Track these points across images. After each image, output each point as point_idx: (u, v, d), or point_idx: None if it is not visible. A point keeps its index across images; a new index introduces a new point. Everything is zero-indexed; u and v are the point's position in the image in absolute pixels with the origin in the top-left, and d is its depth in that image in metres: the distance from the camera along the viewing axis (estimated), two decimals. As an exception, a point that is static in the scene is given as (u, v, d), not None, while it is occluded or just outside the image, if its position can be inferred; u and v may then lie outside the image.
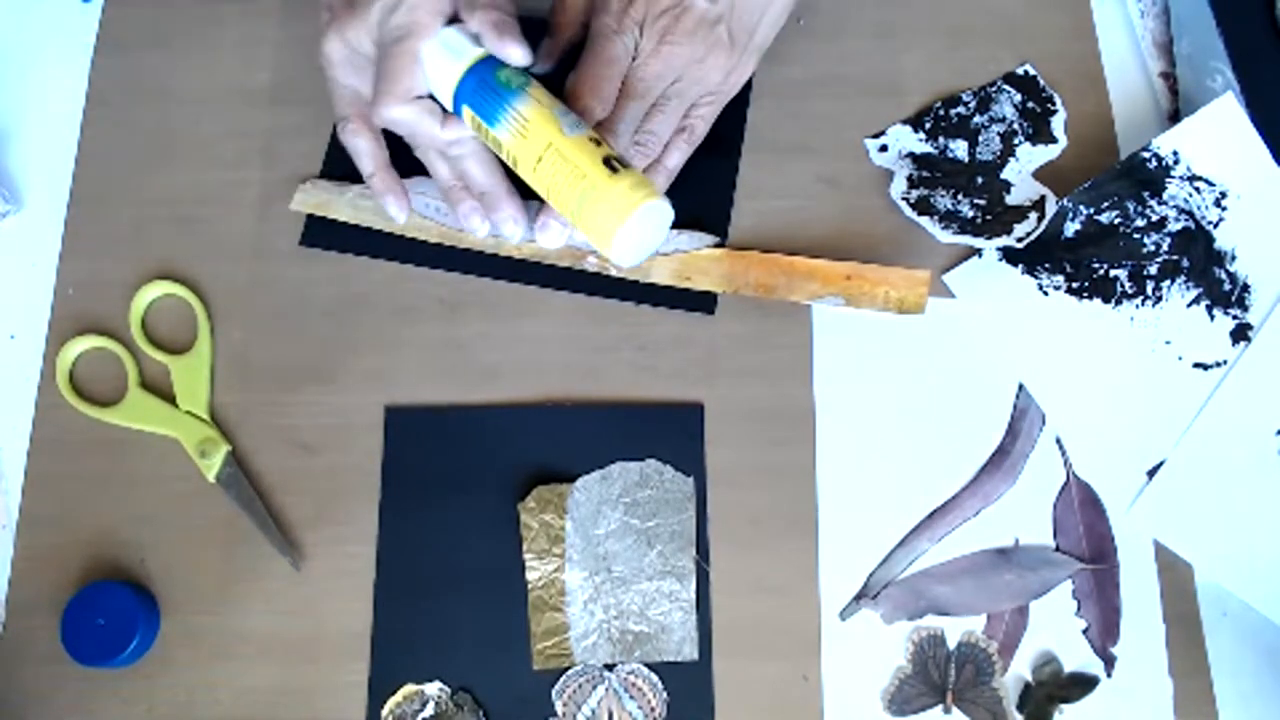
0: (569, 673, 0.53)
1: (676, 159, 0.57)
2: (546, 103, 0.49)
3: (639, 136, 0.54)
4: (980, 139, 0.62)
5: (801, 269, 0.58)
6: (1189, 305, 0.58)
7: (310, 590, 0.54)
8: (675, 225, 0.59)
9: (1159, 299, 0.58)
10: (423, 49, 0.49)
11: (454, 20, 0.50)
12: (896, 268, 0.57)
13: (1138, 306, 0.58)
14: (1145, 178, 0.59)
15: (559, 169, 0.48)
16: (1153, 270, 0.58)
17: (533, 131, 0.48)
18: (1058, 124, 0.63)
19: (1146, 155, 0.59)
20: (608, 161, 0.48)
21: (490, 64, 0.49)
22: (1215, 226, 0.59)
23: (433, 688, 0.53)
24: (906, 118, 0.63)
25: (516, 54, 0.49)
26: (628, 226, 0.48)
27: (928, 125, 0.63)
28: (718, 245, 0.59)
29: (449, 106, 0.50)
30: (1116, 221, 0.59)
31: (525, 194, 0.54)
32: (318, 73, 0.53)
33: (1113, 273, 0.58)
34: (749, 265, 0.59)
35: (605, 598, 0.54)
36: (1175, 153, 0.59)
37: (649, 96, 0.54)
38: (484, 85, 0.49)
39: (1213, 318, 0.58)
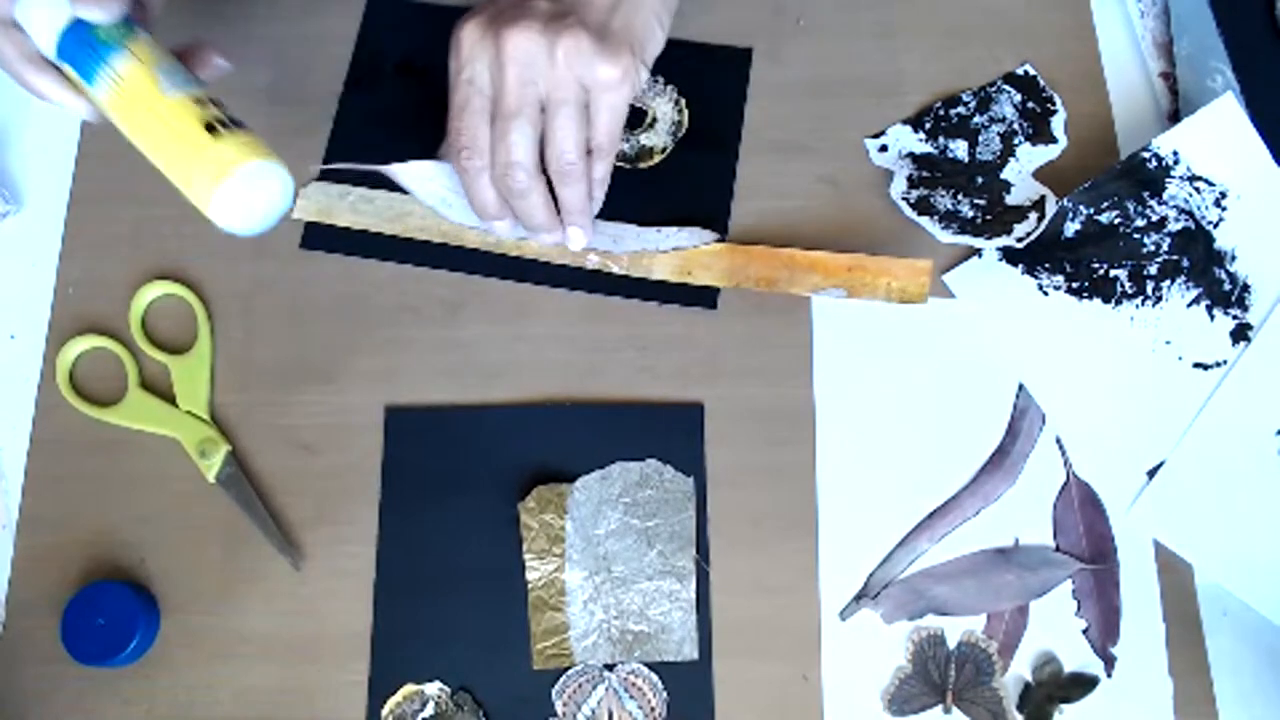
0: (569, 673, 0.53)
1: (600, 169, 0.54)
2: (149, 59, 0.46)
3: (549, 160, 0.52)
4: (980, 139, 0.62)
5: (803, 262, 0.58)
6: (1189, 305, 0.58)
7: (310, 590, 0.54)
8: (676, 222, 0.60)
9: (1159, 299, 0.58)
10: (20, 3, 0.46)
11: None
12: (898, 258, 0.57)
13: (1138, 306, 0.58)
14: (1145, 178, 0.59)
15: (159, 131, 0.46)
16: (1153, 270, 0.58)
17: (130, 91, 0.46)
18: (1058, 124, 0.63)
19: (1146, 155, 0.59)
20: (211, 125, 0.45)
21: (82, 23, 0.46)
22: (1215, 226, 0.59)
23: (433, 688, 0.53)
24: (906, 118, 0.63)
25: (95, 12, 0.45)
26: (225, 189, 0.45)
27: (928, 125, 0.63)
28: (718, 242, 0.59)
29: (48, 52, 0.47)
30: (1116, 221, 0.59)
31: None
32: (318, 72, 0.54)
33: (1113, 273, 0.58)
34: (750, 259, 0.59)
35: (605, 597, 0.54)
36: (1175, 153, 0.59)
37: (518, 110, 0.51)
38: (82, 41, 0.46)
39: (1213, 318, 0.58)
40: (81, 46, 0.46)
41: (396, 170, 0.57)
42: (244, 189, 0.45)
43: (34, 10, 0.46)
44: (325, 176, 0.61)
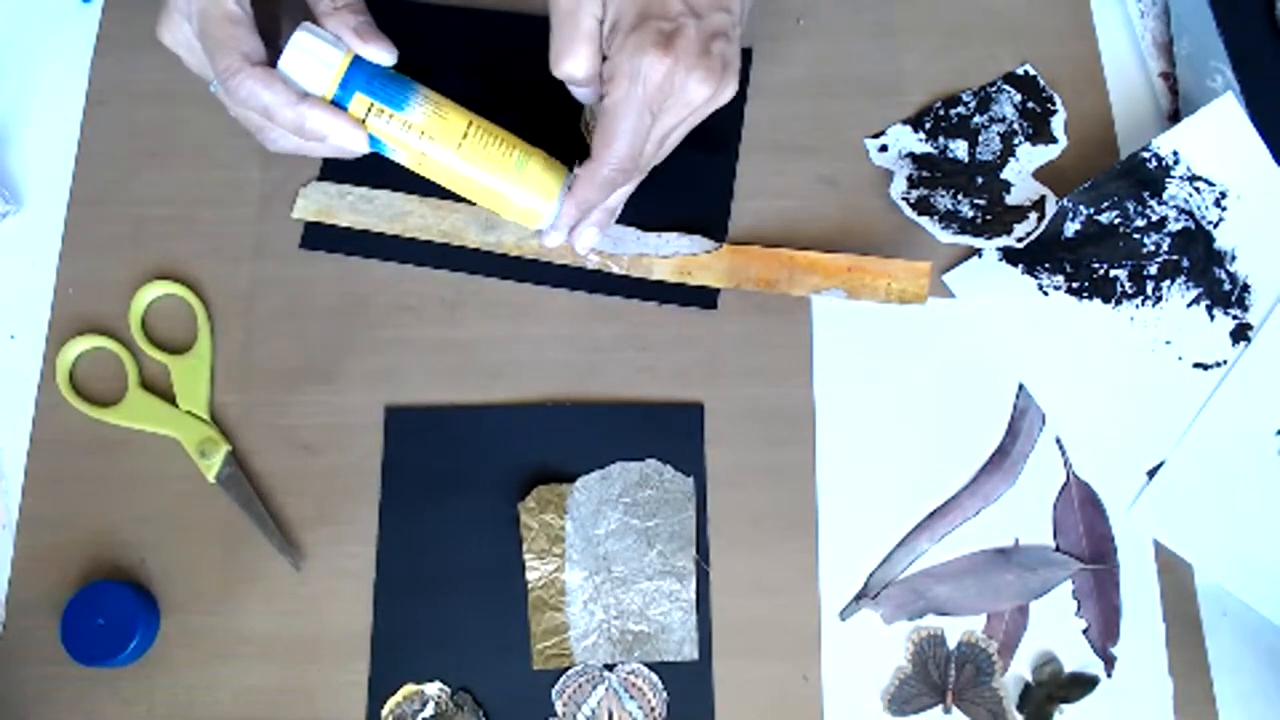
0: (569, 673, 0.53)
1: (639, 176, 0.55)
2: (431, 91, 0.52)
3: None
4: (980, 139, 0.62)
5: (803, 263, 0.58)
6: (1189, 305, 0.58)
7: (310, 590, 0.54)
8: (674, 228, 0.60)
9: (1159, 299, 0.58)
10: (295, 38, 0.49)
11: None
12: (898, 259, 0.57)
13: (1138, 306, 0.58)
14: (1145, 178, 0.59)
15: (486, 141, 0.51)
16: (1153, 270, 0.58)
17: (450, 112, 0.51)
18: (1058, 124, 0.63)
19: (1146, 155, 0.59)
20: (513, 145, 0.52)
21: (366, 61, 0.50)
22: (1215, 226, 0.59)
23: (433, 688, 0.53)
24: (906, 118, 0.63)
25: (385, 56, 0.50)
26: (558, 200, 0.53)
27: (928, 125, 0.63)
28: (717, 246, 0.59)
29: (321, 94, 0.50)
30: (1116, 221, 0.59)
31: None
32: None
33: (1113, 273, 0.58)
34: (750, 260, 0.59)
35: (605, 598, 0.54)
36: (1175, 153, 0.59)
37: (671, 139, 0.52)
38: (380, 74, 0.50)
39: (1213, 318, 0.58)
40: (382, 78, 0.50)
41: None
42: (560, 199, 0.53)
43: (308, 56, 0.49)
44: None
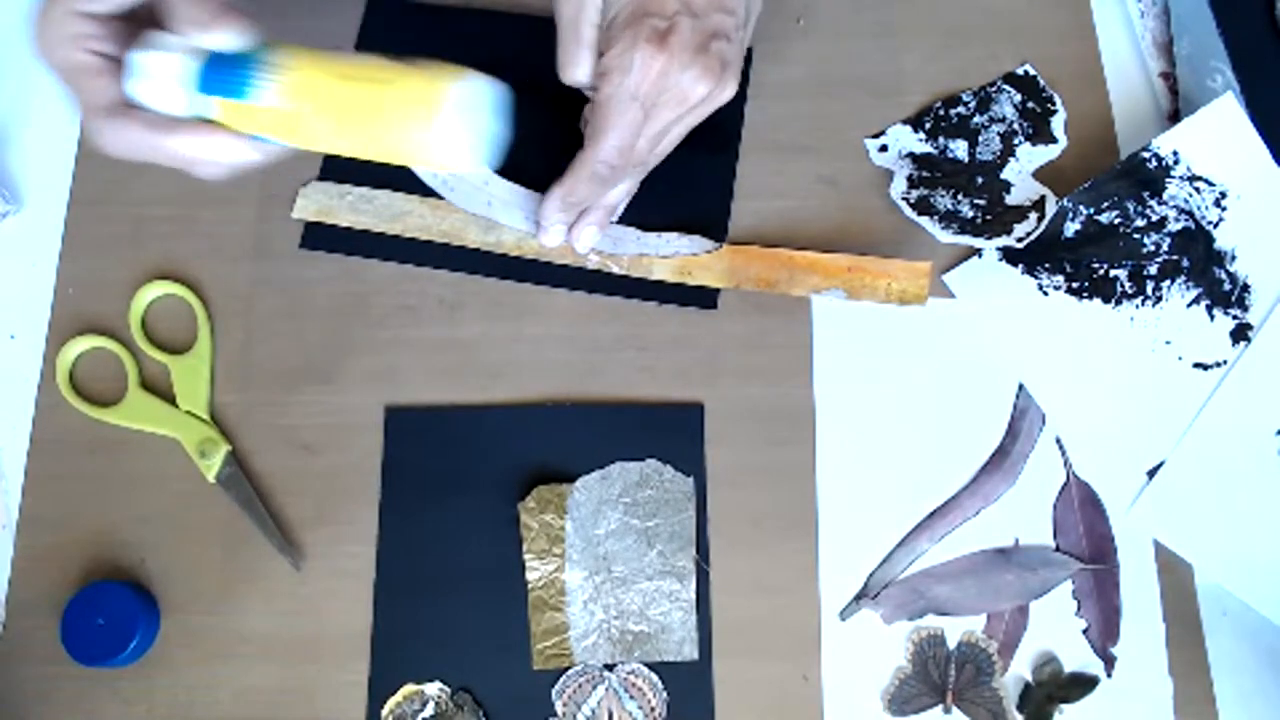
0: (569, 673, 0.53)
1: (642, 172, 0.56)
2: (293, 46, 0.44)
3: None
4: (980, 139, 0.62)
5: (802, 263, 0.58)
6: (1189, 305, 0.58)
7: (310, 590, 0.54)
8: (674, 228, 0.60)
9: (1159, 299, 0.58)
10: (133, 59, 0.43)
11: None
12: (898, 260, 0.57)
13: (1138, 306, 0.58)
14: (1145, 178, 0.59)
15: (350, 91, 0.42)
16: (1153, 270, 0.58)
17: (302, 69, 0.43)
18: (1058, 124, 0.63)
19: (1146, 155, 0.59)
20: (389, 69, 0.42)
21: (214, 54, 0.43)
22: (1215, 226, 0.59)
23: (433, 688, 0.53)
24: (906, 118, 0.63)
25: (231, 37, 0.42)
26: (447, 110, 0.41)
27: (928, 125, 0.63)
28: (716, 247, 0.59)
29: (181, 112, 0.44)
30: (1116, 221, 0.59)
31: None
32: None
33: (1113, 273, 0.58)
34: (750, 260, 0.59)
35: (605, 598, 0.54)
36: (1175, 153, 0.59)
37: (663, 133, 0.52)
38: (227, 63, 0.43)
39: (1213, 318, 0.58)
40: (225, 73, 0.43)
41: None
42: (459, 109, 0.42)
43: (152, 76, 0.43)
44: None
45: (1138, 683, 0.53)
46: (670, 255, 0.59)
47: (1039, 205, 0.59)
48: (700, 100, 0.50)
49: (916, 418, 0.57)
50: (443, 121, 0.41)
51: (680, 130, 0.52)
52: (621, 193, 0.56)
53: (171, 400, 0.57)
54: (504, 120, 0.44)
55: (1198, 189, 0.59)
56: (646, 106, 0.50)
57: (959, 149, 0.62)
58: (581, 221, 0.56)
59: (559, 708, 0.53)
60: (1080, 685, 0.53)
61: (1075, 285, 0.59)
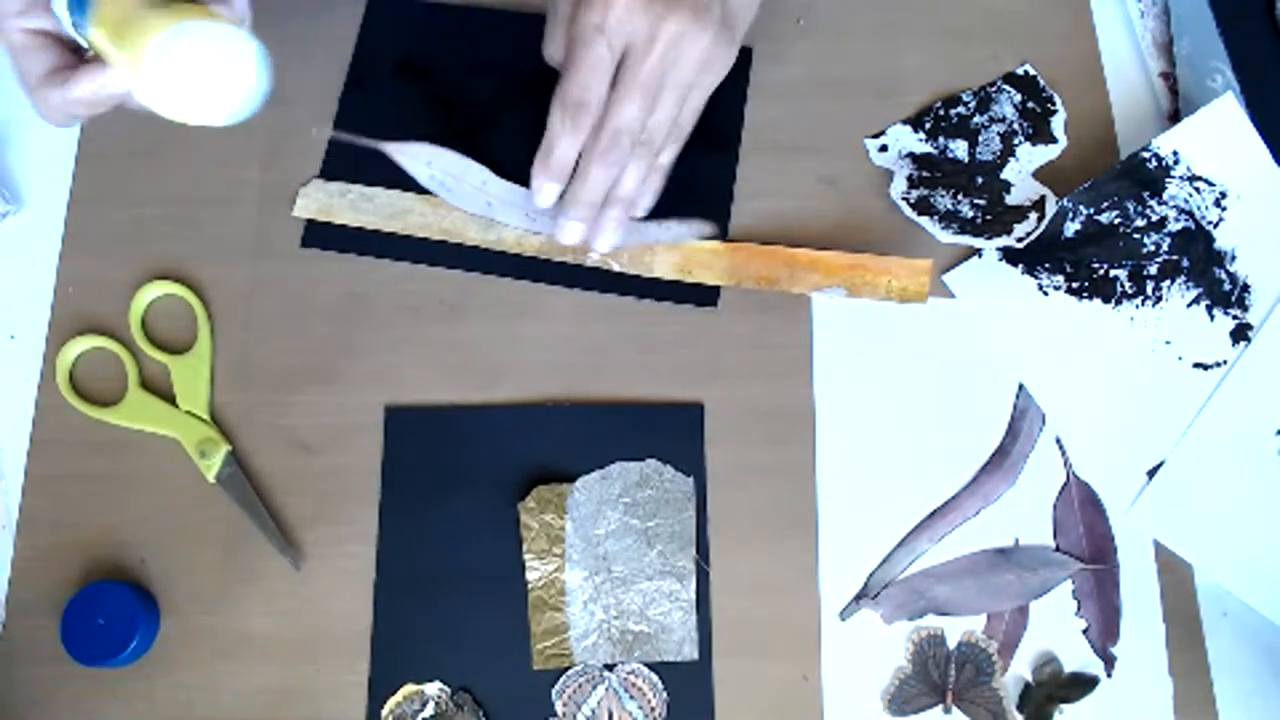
0: (569, 673, 0.53)
1: (668, 156, 0.56)
2: None
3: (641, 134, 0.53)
4: (980, 139, 0.62)
5: (803, 260, 0.58)
6: (1189, 305, 0.58)
7: (310, 590, 0.54)
8: (674, 215, 0.59)
9: (1159, 299, 0.58)
10: None
11: None
12: (898, 257, 0.57)
13: (1138, 306, 0.58)
14: (1145, 178, 0.59)
15: (116, 23, 0.40)
16: (1153, 270, 0.58)
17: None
18: (1058, 124, 0.63)
19: (1146, 155, 0.59)
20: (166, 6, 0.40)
21: None
22: (1215, 226, 0.59)
23: (433, 688, 0.53)
24: (906, 118, 0.63)
25: None
26: (164, 45, 0.38)
27: (928, 125, 0.63)
28: (717, 236, 0.59)
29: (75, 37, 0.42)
30: (1116, 221, 0.59)
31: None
32: (318, 72, 0.54)
33: (1113, 273, 0.58)
34: (751, 258, 0.59)
35: (605, 598, 0.54)
36: (1175, 153, 0.59)
37: (653, 86, 0.51)
38: None
39: (1213, 318, 0.58)
40: None
41: (396, 149, 0.57)
42: (184, 49, 0.38)
43: None
44: (331, 148, 0.61)
45: (1138, 683, 0.53)
46: (671, 242, 0.59)
47: (1039, 205, 0.59)
48: (676, 37, 0.49)
49: (916, 417, 0.57)
50: (149, 64, 0.38)
51: (674, 99, 0.51)
52: (634, 181, 0.54)
53: (171, 400, 0.57)
54: (255, 76, 0.40)
55: (1198, 189, 0.59)
56: (614, 44, 0.49)
57: (959, 149, 0.62)
58: (602, 217, 0.55)
59: (559, 708, 0.53)
60: (1080, 685, 0.53)
61: (1075, 285, 0.59)
